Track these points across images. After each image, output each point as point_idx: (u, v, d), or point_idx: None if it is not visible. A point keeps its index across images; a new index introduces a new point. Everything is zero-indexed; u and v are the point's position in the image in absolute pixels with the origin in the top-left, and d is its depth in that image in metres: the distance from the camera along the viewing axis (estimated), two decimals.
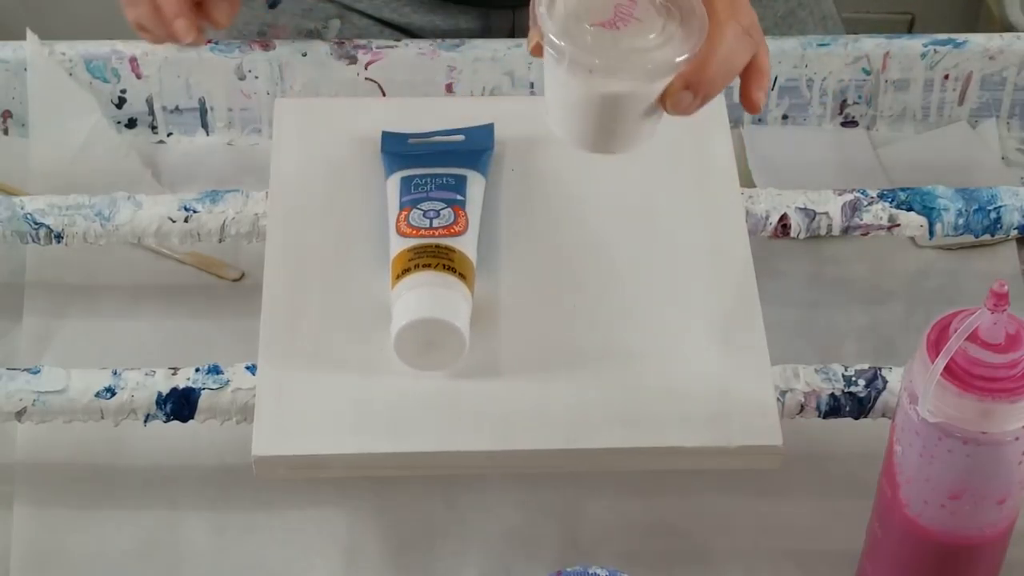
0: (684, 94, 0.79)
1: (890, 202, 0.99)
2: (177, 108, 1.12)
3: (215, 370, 0.90)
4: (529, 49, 0.81)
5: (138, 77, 1.10)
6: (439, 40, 1.11)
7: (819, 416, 0.90)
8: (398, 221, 0.91)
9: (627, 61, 0.79)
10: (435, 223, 0.91)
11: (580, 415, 0.86)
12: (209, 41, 1.10)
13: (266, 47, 1.10)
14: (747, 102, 0.83)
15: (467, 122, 0.99)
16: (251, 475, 0.86)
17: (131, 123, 1.13)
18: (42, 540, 0.92)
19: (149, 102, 1.12)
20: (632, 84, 0.80)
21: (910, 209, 0.98)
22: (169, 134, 1.13)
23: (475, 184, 0.94)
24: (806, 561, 0.91)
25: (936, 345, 0.76)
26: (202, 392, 0.89)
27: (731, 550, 0.92)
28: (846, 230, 0.98)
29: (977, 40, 1.11)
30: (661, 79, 0.80)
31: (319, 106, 1.05)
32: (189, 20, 1.04)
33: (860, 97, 1.13)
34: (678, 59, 0.79)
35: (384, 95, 1.11)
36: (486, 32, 1.20)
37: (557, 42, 0.79)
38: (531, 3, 0.81)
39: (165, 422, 0.90)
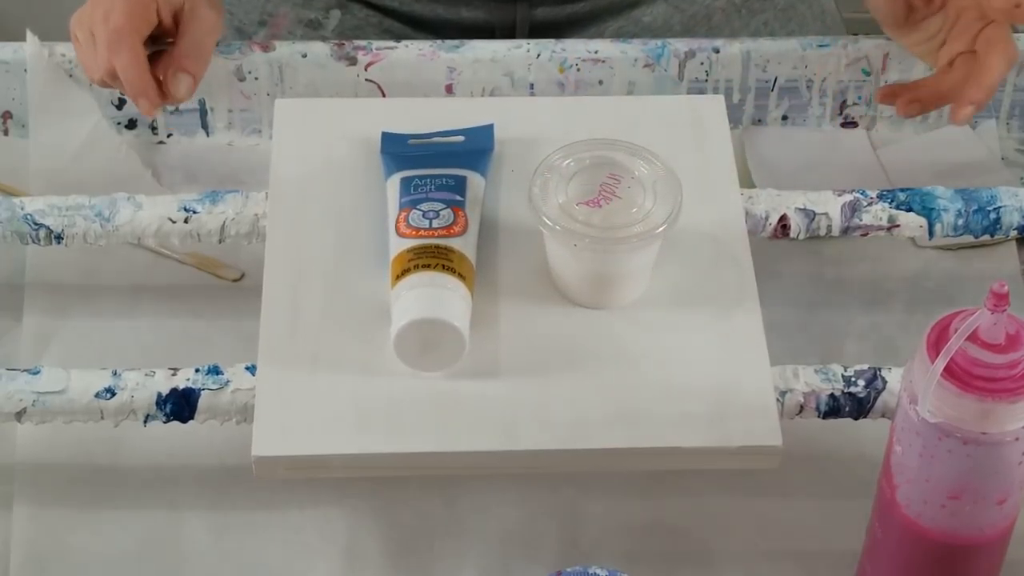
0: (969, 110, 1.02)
1: (890, 203, 0.99)
2: (177, 109, 1.12)
3: (215, 370, 0.90)
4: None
5: None
6: (439, 41, 1.11)
7: (819, 416, 0.90)
8: (398, 222, 0.91)
9: (608, 237, 0.87)
10: (434, 224, 0.91)
11: (580, 415, 0.86)
12: None
13: (266, 48, 1.10)
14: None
15: (467, 122, 0.99)
16: (251, 475, 0.86)
17: (131, 124, 1.13)
18: (42, 540, 0.92)
19: None
20: (615, 256, 0.88)
21: (910, 210, 0.98)
22: (169, 135, 1.13)
23: (475, 185, 0.94)
24: (806, 561, 0.91)
25: (936, 345, 0.76)
26: (202, 392, 0.89)
27: (731, 550, 0.92)
28: (846, 231, 0.98)
29: None
30: (642, 250, 0.88)
31: (319, 107, 1.05)
32: (152, 100, 1.02)
33: (860, 98, 1.13)
34: (657, 231, 0.87)
35: (384, 96, 1.11)
36: (488, 23, 1.19)
37: (548, 223, 0.88)
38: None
39: (165, 422, 0.90)
